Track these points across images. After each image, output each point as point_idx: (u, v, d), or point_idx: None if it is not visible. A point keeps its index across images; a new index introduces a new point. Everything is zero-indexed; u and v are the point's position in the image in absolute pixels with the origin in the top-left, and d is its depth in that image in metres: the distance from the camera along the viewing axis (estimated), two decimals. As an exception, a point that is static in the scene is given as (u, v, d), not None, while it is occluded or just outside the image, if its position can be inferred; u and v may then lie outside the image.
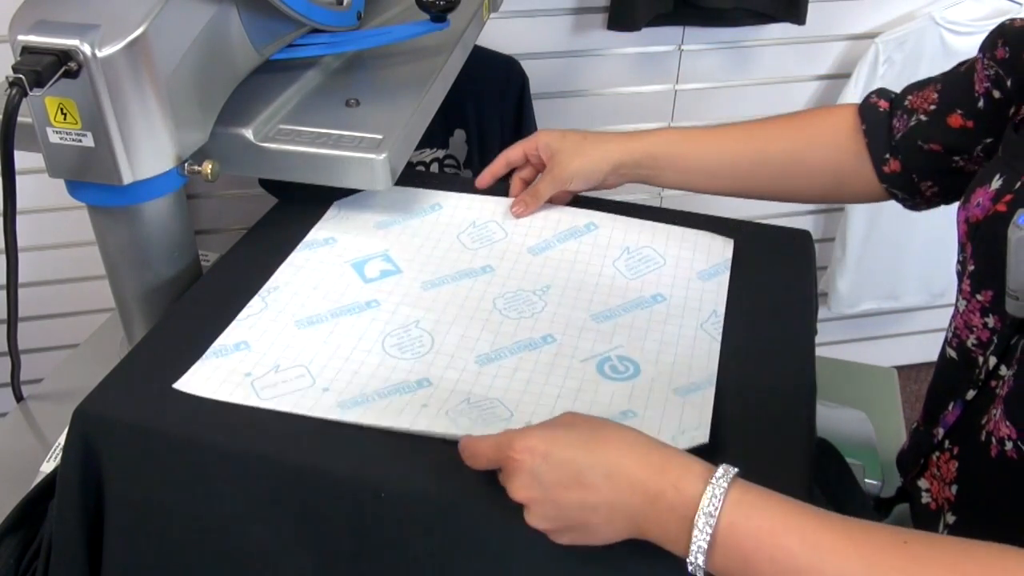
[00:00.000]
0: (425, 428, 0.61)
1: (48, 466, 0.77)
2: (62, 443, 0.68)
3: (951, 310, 0.71)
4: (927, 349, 2.11)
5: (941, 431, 0.69)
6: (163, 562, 0.65)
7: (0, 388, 1.10)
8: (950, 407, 0.69)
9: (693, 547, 0.49)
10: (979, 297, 0.65)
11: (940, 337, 0.69)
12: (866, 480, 0.84)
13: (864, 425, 0.93)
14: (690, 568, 0.50)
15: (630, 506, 0.51)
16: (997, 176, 0.64)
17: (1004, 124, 0.71)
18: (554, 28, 1.51)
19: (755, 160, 0.83)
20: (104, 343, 0.95)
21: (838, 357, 1.06)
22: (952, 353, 0.69)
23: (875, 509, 0.80)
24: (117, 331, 0.89)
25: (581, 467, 0.52)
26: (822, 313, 1.86)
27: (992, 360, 0.64)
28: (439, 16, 0.90)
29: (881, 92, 0.81)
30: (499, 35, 1.46)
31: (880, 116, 0.79)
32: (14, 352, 0.82)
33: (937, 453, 0.69)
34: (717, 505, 0.48)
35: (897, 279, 1.85)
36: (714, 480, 0.49)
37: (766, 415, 0.64)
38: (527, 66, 1.44)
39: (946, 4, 1.53)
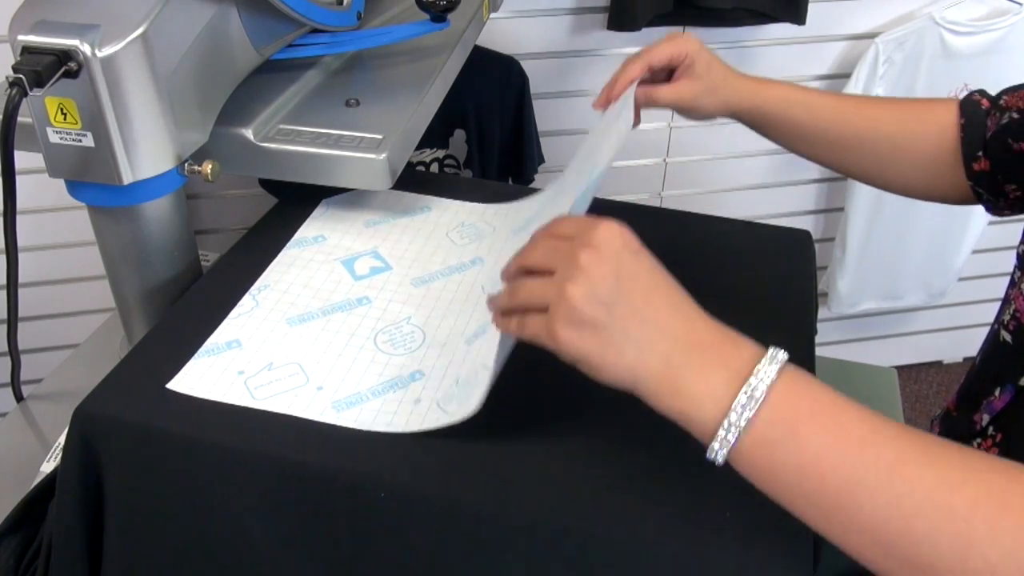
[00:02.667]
0: (418, 428, 0.61)
1: (48, 466, 0.77)
2: (62, 443, 0.68)
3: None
4: (927, 349, 2.11)
5: (986, 417, 0.68)
6: (163, 562, 0.65)
7: (0, 388, 1.10)
8: (997, 392, 0.67)
9: (740, 400, 0.45)
10: None
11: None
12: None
13: (864, 425, 0.93)
14: (720, 435, 0.46)
15: (677, 342, 0.48)
16: None
17: None
18: (554, 28, 1.51)
19: (861, 139, 0.80)
20: (104, 343, 0.95)
21: (838, 357, 1.06)
22: (1007, 336, 0.68)
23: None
24: (117, 331, 0.89)
25: (660, 281, 0.50)
26: (822, 313, 1.86)
27: None
28: (439, 16, 0.90)
29: (983, 91, 0.78)
30: (499, 35, 1.46)
31: (979, 112, 0.76)
32: (14, 352, 0.82)
33: (978, 440, 0.68)
34: (776, 368, 0.46)
35: (897, 279, 1.85)
36: (771, 349, 0.48)
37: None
38: (527, 66, 1.44)
39: (946, 4, 1.53)
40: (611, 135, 0.74)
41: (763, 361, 0.47)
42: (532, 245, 0.53)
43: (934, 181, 0.78)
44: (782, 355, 0.47)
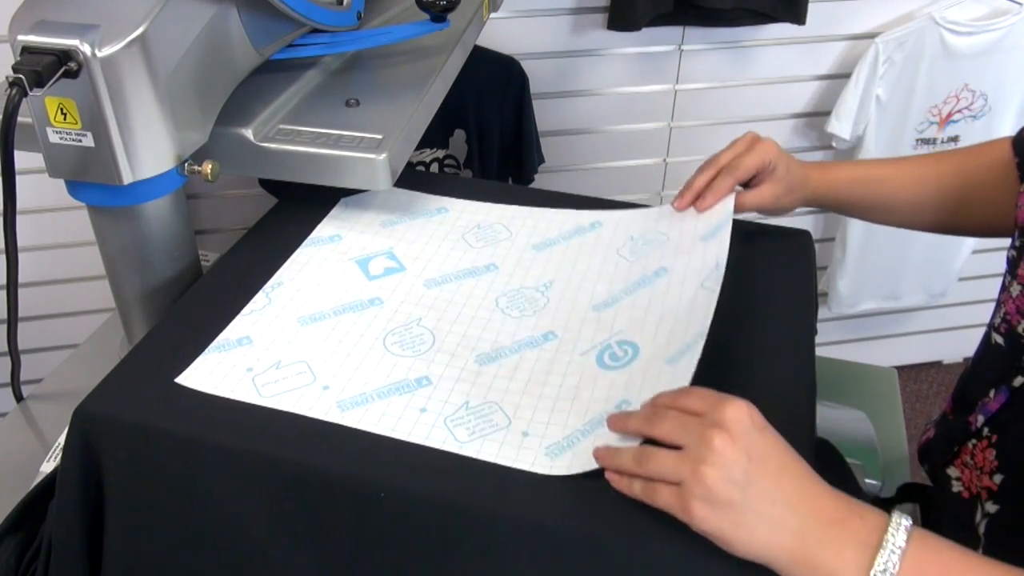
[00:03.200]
0: (422, 439, 0.61)
1: (48, 466, 0.77)
2: (62, 443, 0.68)
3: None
4: (927, 349, 2.11)
5: (981, 418, 0.68)
6: (163, 562, 0.65)
7: (0, 388, 1.10)
8: (991, 394, 0.68)
9: (876, 572, 0.49)
10: None
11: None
12: (866, 480, 0.84)
13: (864, 425, 0.93)
14: None
15: (807, 519, 0.51)
16: None
17: None
18: (554, 28, 1.51)
19: (934, 199, 0.82)
20: (104, 343, 0.95)
21: (838, 357, 1.06)
22: (998, 339, 0.69)
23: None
24: (117, 331, 0.89)
25: (786, 459, 0.53)
26: (822, 313, 1.86)
27: None
28: (439, 16, 0.90)
29: None
30: (499, 35, 1.47)
31: None
32: (14, 352, 0.82)
33: (974, 441, 0.69)
34: (904, 536, 0.49)
35: (897, 279, 1.85)
36: (895, 516, 0.51)
37: (766, 415, 0.64)
38: (527, 66, 1.44)
39: (946, 4, 1.53)
40: (706, 279, 0.73)
41: (890, 530, 0.50)
42: (659, 417, 0.56)
43: (1001, 219, 0.79)
44: (907, 521, 0.50)
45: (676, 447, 0.54)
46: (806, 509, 0.51)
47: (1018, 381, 0.65)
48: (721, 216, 0.79)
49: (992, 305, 0.73)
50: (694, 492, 0.51)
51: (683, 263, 0.75)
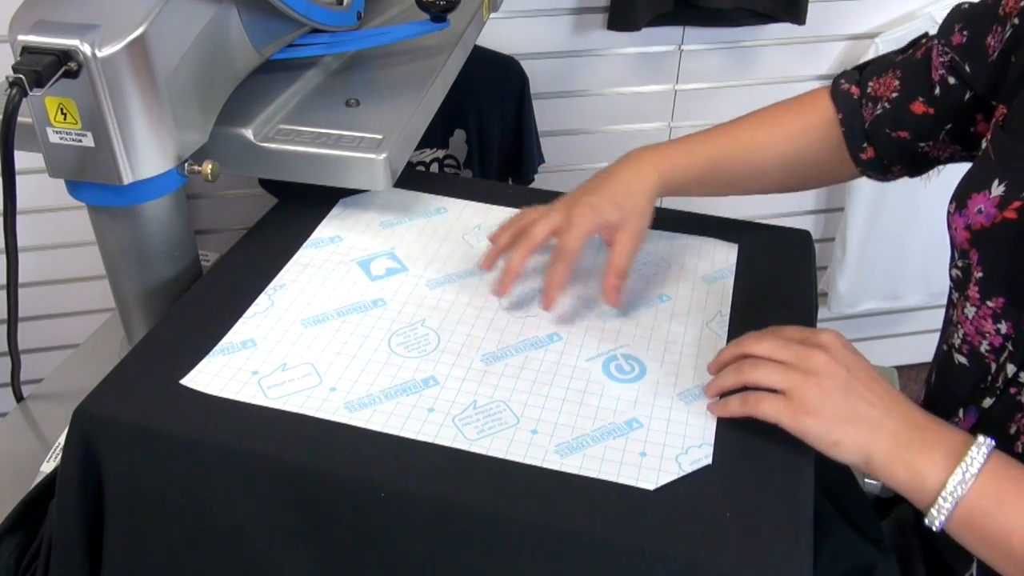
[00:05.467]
0: (432, 437, 0.62)
1: (48, 466, 0.77)
2: (62, 443, 0.68)
3: (945, 314, 0.72)
4: (927, 349, 2.10)
5: None
6: (163, 562, 0.65)
7: (0, 388, 1.10)
8: (961, 414, 0.68)
9: (957, 476, 0.54)
10: (990, 304, 0.65)
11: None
12: (866, 480, 0.84)
13: (864, 425, 0.93)
14: (939, 503, 0.54)
15: (901, 422, 0.57)
16: (996, 182, 0.64)
17: (964, 111, 0.72)
18: (554, 28, 1.51)
19: (751, 172, 0.82)
20: (104, 343, 0.95)
21: (838, 357, 1.06)
22: (962, 360, 0.69)
23: (875, 509, 0.80)
24: (117, 331, 0.89)
25: (876, 375, 0.59)
26: (822, 313, 1.86)
27: (1011, 368, 0.64)
28: (439, 16, 0.90)
29: (848, 75, 0.81)
30: (499, 35, 1.47)
31: (853, 103, 0.79)
32: (14, 352, 0.82)
33: None
34: (986, 449, 0.55)
35: (897, 279, 1.85)
36: (979, 436, 0.56)
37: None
38: (527, 66, 1.44)
39: (946, 4, 1.52)
40: None
41: (974, 445, 0.55)
42: (756, 339, 0.62)
43: (827, 174, 0.84)
44: (990, 441, 0.56)
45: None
46: (898, 414, 0.57)
47: (987, 402, 0.66)
48: (722, 266, 0.81)
49: None
50: (804, 396, 0.57)
51: (686, 295, 0.77)
